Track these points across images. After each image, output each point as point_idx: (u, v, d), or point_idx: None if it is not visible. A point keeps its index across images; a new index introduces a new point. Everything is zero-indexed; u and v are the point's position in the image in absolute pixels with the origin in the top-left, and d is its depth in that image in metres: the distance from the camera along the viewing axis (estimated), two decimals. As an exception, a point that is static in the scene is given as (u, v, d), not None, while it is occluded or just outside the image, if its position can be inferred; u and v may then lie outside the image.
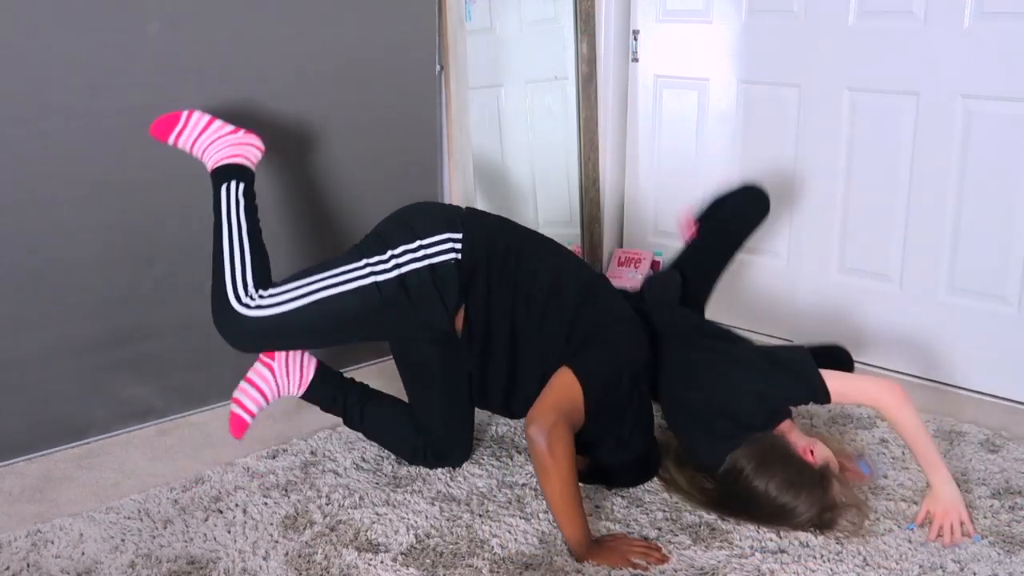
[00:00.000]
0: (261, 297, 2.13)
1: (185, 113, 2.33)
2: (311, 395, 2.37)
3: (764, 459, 2.05)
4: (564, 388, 2.06)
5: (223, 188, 2.25)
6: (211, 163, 2.30)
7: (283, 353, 2.31)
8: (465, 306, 2.17)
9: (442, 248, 2.16)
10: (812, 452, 2.09)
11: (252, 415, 2.29)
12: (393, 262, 2.14)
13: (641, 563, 1.95)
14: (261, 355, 2.31)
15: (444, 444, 2.35)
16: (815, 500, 2.03)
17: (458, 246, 2.16)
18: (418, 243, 2.15)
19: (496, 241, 2.21)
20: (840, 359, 2.54)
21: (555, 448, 1.95)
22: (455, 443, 2.37)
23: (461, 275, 2.15)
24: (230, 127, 2.34)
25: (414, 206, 2.30)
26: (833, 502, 2.05)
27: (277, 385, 2.31)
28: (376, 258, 2.15)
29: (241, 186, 2.25)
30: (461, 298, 2.16)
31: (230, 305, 2.12)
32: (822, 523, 2.06)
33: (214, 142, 2.31)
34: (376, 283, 2.12)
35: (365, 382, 2.46)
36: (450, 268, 2.14)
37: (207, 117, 2.34)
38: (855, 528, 2.08)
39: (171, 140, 2.33)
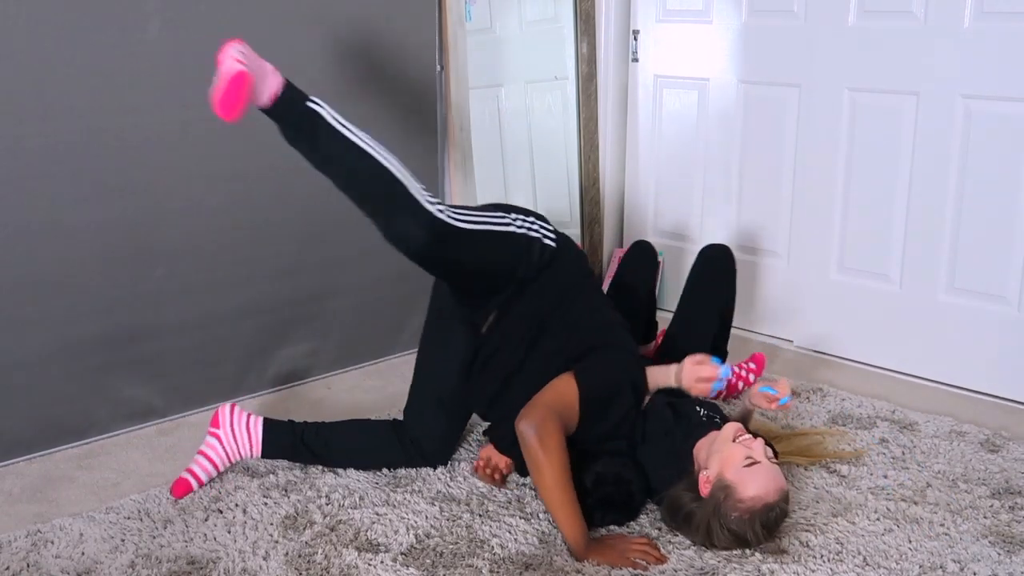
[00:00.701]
0: (448, 209, 2.15)
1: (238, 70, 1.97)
2: (269, 450, 2.34)
3: (678, 522, 2.06)
4: (560, 391, 2.10)
5: (313, 109, 2.06)
6: (270, 94, 2.03)
7: (226, 419, 2.31)
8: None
9: (546, 232, 2.28)
10: (708, 482, 2.01)
11: (200, 483, 2.25)
12: (519, 223, 2.25)
13: (641, 562, 1.95)
14: (209, 428, 2.31)
15: (429, 443, 2.34)
16: (720, 525, 1.98)
17: (555, 237, 2.29)
18: (533, 219, 2.29)
19: (576, 257, 2.35)
20: (649, 256, 2.77)
21: (546, 441, 1.98)
22: (443, 441, 2.36)
23: (552, 259, 2.25)
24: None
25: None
26: (742, 515, 1.97)
27: (226, 452, 2.29)
28: (504, 216, 2.24)
29: (324, 102, 2.10)
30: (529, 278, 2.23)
31: (427, 211, 2.09)
32: (767, 527, 2.00)
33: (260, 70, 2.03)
34: (518, 233, 2.23)
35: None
36: (547, 248, 2.25)
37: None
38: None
39: (244, 106, 1.99)
